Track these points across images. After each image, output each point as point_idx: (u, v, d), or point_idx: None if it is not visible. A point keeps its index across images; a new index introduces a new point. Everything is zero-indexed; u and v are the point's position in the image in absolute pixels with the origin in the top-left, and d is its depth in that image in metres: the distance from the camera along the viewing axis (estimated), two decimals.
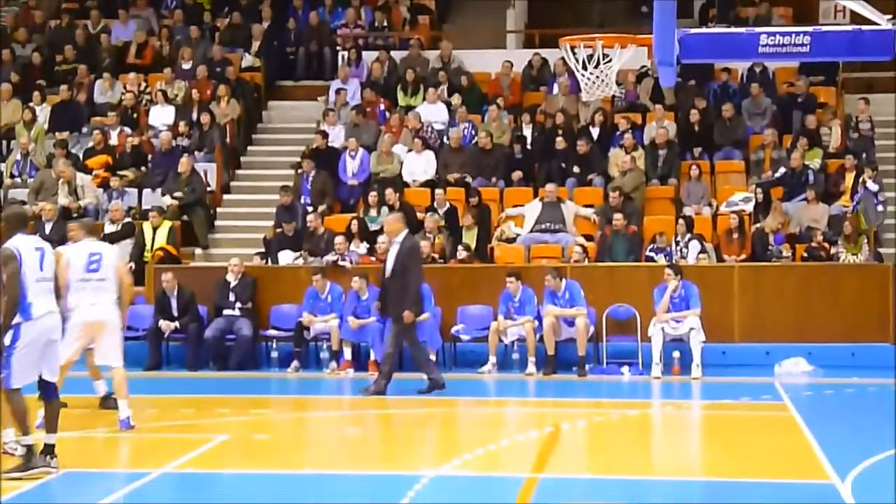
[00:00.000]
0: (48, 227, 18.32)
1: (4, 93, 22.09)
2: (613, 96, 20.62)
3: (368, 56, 23.08)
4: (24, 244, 9.78)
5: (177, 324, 16.80)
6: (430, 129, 20.91)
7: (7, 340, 9.60)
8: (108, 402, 12.75)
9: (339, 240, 17.81)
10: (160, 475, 9.97)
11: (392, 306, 14.64)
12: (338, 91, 22.18)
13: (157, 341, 16.87)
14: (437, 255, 17.87)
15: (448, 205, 18.95)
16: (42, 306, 9.77)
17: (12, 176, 20.68)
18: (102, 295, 11.75)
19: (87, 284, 11.68)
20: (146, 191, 20.12)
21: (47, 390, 9.95)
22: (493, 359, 16.27)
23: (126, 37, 24.06)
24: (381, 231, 17.96)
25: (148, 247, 18.44)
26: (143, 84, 22.43)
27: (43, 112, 21.89)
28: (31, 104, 21.97)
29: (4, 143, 21.31)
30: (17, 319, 9.61)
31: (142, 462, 10.63)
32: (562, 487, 9.72)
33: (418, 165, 20.23)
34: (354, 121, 21.23)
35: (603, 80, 12.07)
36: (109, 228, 18.78)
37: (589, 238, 18.51)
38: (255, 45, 23.56)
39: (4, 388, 9.65)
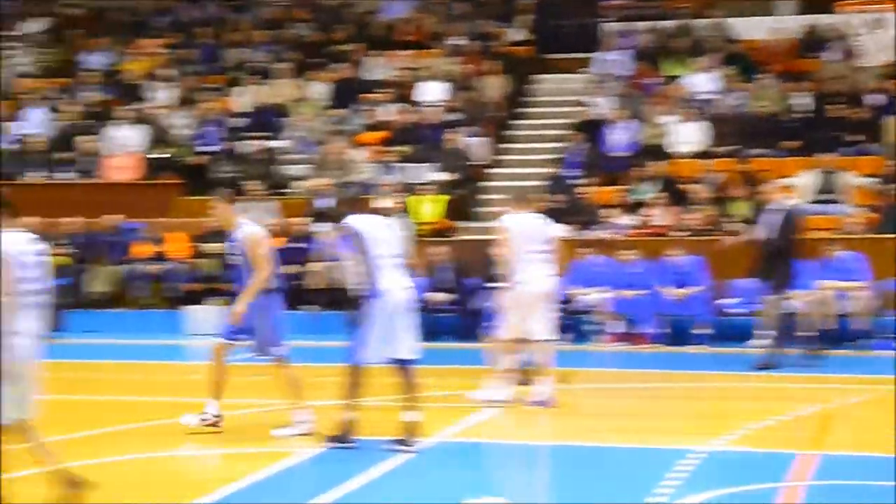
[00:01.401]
0: (323, 203, 18.92)
1: (284, 71, 22.91)
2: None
3: (635, 26, 22.87)
4: (364, 222, 10.00)
5: (448, 296, 17.12)
6: (699, 99, 20.59)
7: (357, 315, 9.88)
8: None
9: (606, 212, 17.76)
10: (434, 444, 10.20)
11: (773, 272, 14.42)
12: (605, 62, 22.08)
13: (430, 313, 17.22)
14: (707, 227, 17.61)
15: (718, 175, 18.63)
16: (392, 282, 9.93)
17: (291, 153, 21.45)
18: (545, 266, 11.86)
19: (533, 256, 11.76)
20: (417, 165, 20.54)
21: (406, 369, 10.05)
22: (767, 332, 15.88)
23: (398, 14, 24.59)
24: (643, 204, 17.82)
25: (419, 221, 18.84)
26: (415, 60, 22.89)
27: (318, 90, 22.60)
28: (307, 82, 22.74)
29: (280, 120, 22.11)
30: (365, 297, 9.83)
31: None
32: (840, 466, 9.45)
33: (687, 136, 19.96)
34: (621, 92, 21.10)
35: (883, 45, 11.62)
36: (381, 203, 19.24)
37: (873, 209, 17.84)
38: (523, 18, 23.68)
39: (352, 363, 10.01)
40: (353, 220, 9.98)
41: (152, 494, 8.67)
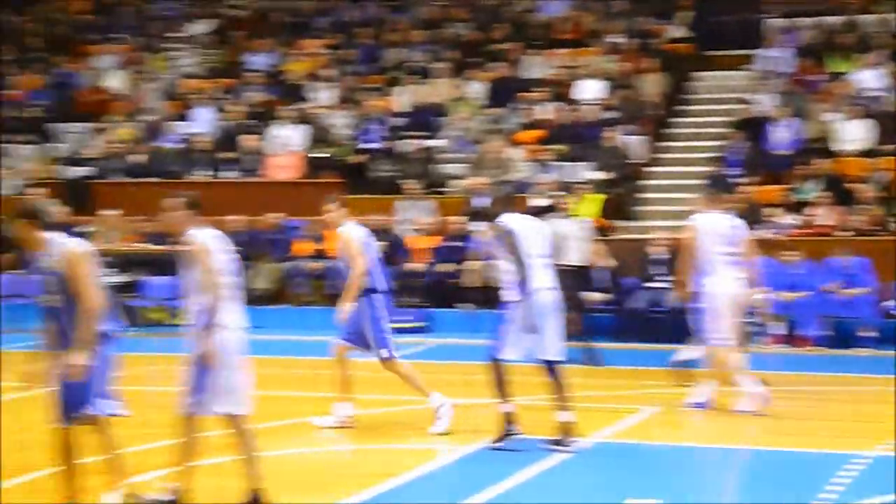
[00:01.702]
0: (480, 201, 18.97)
1: (442, 71, 23.04)
2: None
3: (799, 22, 22.39)
4: (517, 221, 10.03)
5: (604, 295, 17.00)
6: (864, 96, 20.07)
7: (504, 312, 9.93)
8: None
9: (768, 211, 17.44)
10: (592, 445, 10.15)
11: None
12: (767, 59, 21.68)
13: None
14: (873, 227, 17.17)
15: (884, 174, 18.14)
16: (540, 281, 9.96)
17: (449, 152, 21.56)
18: (735, 269, 11.44)
19: (723, 258, 11.37)
20: (574, 164, 20.46)
21: (553, 369, 10.04)
22: None
23: (556, 12, 24.52)
24: (806, 203, 17.44)
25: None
26: (572, 59, 22.80)
27: (476, 89, 22.67)
28: (465, 81, 22.83)
29: (438, 119, 22.23)
30: (513, 295, 9.90)
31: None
32: None
33: (852, 133, 19.48)
34: (784, 89, 20.69)
35: None
36: (536, 202, 19.22)
37: None
38: (683, 15, 23.40)
39: (491, 357, 10.05)
40: (507, 220, 9.99)
41: (312, 489, 8.80)
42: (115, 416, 7.81)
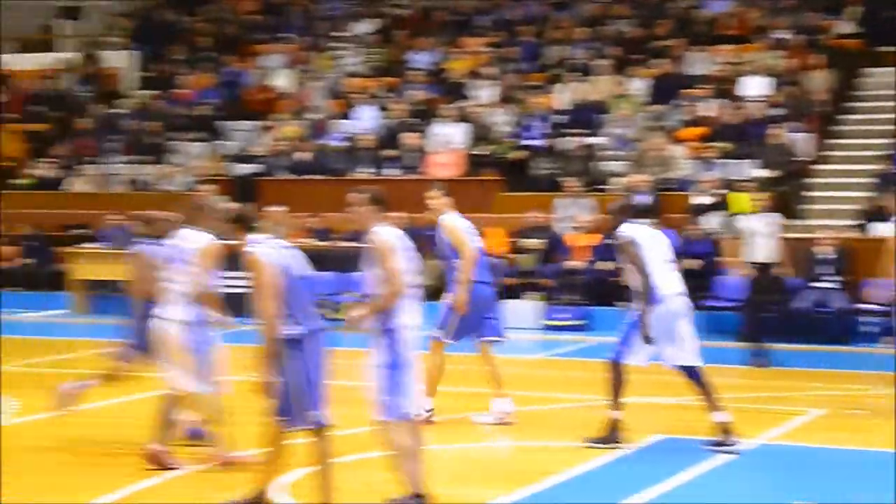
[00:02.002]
0: (642, 199, 18.84)
1: (604, 68, 22.95)
2: None
3: None
4: (638, 231, 10.11)
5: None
6: None
7: (631, 318, 9.98)
8: None
9: None
10: (757, 446, 10.02)
11: None
12: None
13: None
14: None
15: None
16: (669, 288, 9.99)
17: (610, 149, 21.46)
18: None
19: None
20: (738, 162, 20.17)
21: (691, 373, 10.02)
22: None
23: (720, 8, 24.21)
24: None
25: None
26: (737, 55, 22.48)
27: (638, 86, 22.52)
28: (627, 78, 22.70)
29: (600, 117, 22.13)
30: (640, 303, 9.90)
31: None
32: None
33: None
34: None
35: None
36: (699, 200, 19.03)
37: None
38: (852, 10, 22.88)
39: (612, 360, 10.05)
40: (627, 229, 10.05)
41: (471, 484, 8.87)
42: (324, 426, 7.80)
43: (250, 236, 7.86)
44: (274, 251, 7.77)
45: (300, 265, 7.87)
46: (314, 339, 7.77)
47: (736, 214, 18.38)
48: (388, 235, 7.86)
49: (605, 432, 10.00)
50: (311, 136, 23.31)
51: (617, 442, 9.94)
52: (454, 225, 10.85)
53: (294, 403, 7.63)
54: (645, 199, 18.76)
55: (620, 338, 10.02)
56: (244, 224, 7.95)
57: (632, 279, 10.00)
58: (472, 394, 11.90)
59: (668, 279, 9.99)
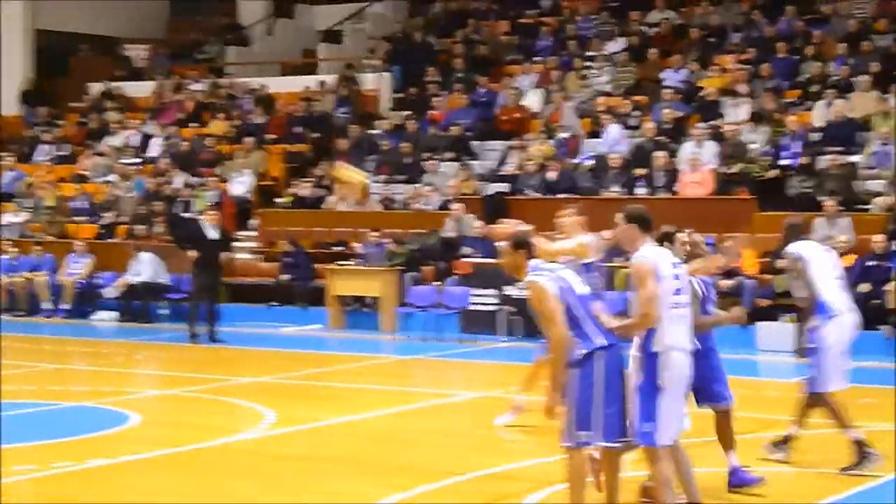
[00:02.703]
0: None
1: (864, 84, 22.25)
2: None
3: None
4: (806, 248, 10.02)
5: None
6: None
7: (810, 343, 9.83)
8: None
9: None
10: None
11: None
12: None
13: None
14: None
15: None
16: (840, 304, 9.90)
17: (870, 168, 20.78)
18: None
19: None
20: None
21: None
22: None
23: None
24: None
25: None
26: None
27: None
28: (888, 94, 21.94)
29: (860, 134, 21.45)
30: (816, 321, 9.81)
31: None
32: None
33: None
34: None
35: None
36: None
37: None
38: None
39: (810, 391, 9.82)
40: (796, 247, 9.97)
41: None
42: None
43: (532, 262, 7.78)
44: (555, 274, 7.72)
45: (580, 285, 7.82)
46: (600, 358, 7.66)
47: None
48: (650, 257, 7.72)
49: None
50: (561, 155, 23.38)
51: (873, 457, 9.69)
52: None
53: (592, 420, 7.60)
54: None
55: (811, 366, 9.88)
56: (524, 252, 7.81)
57: (799, 296, 9.96)
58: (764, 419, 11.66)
59: (836, 296, 9.90)
